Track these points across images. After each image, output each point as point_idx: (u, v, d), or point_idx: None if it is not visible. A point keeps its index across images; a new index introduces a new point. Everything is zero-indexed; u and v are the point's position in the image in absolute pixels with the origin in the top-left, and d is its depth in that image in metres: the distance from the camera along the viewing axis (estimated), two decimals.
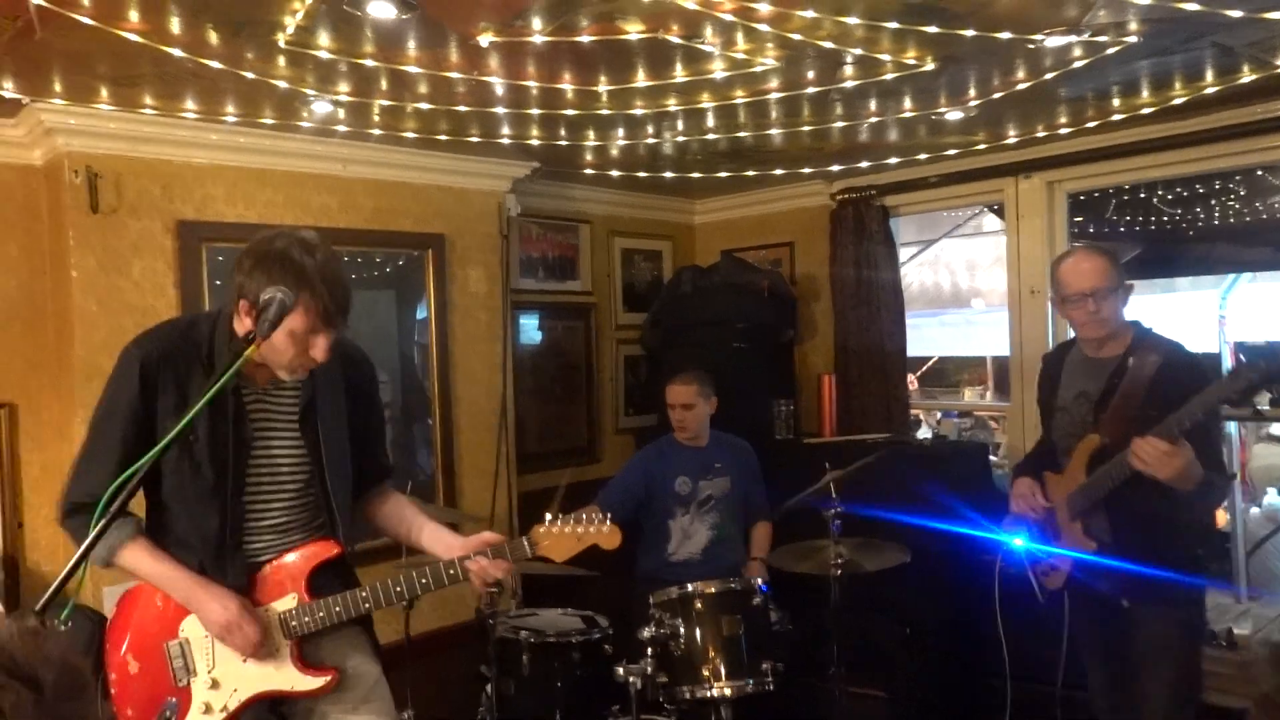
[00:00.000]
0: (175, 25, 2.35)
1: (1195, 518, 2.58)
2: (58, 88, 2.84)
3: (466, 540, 2.04)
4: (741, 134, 3.59)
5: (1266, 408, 4.24)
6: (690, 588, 3.03)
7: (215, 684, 1.93)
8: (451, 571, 1.98)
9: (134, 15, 2.28)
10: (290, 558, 1.98)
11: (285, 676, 1.96)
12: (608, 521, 2.03)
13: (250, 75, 2.72)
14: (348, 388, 2.08)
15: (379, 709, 2.07)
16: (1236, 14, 2.39)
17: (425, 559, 2.13)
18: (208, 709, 1.92)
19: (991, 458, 4.82)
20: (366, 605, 1.97)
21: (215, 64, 2.61)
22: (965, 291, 9.11)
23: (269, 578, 1.97)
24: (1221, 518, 5.44)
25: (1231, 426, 6.00)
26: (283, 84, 2.81)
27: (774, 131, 3.59)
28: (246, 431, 1.93)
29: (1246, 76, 3.02)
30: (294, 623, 1.95)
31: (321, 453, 2.00)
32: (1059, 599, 2.84)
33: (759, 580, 3.13)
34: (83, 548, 1.59)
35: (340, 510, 2.03)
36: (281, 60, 2.64)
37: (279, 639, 1.95)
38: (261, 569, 1.97)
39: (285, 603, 1.96)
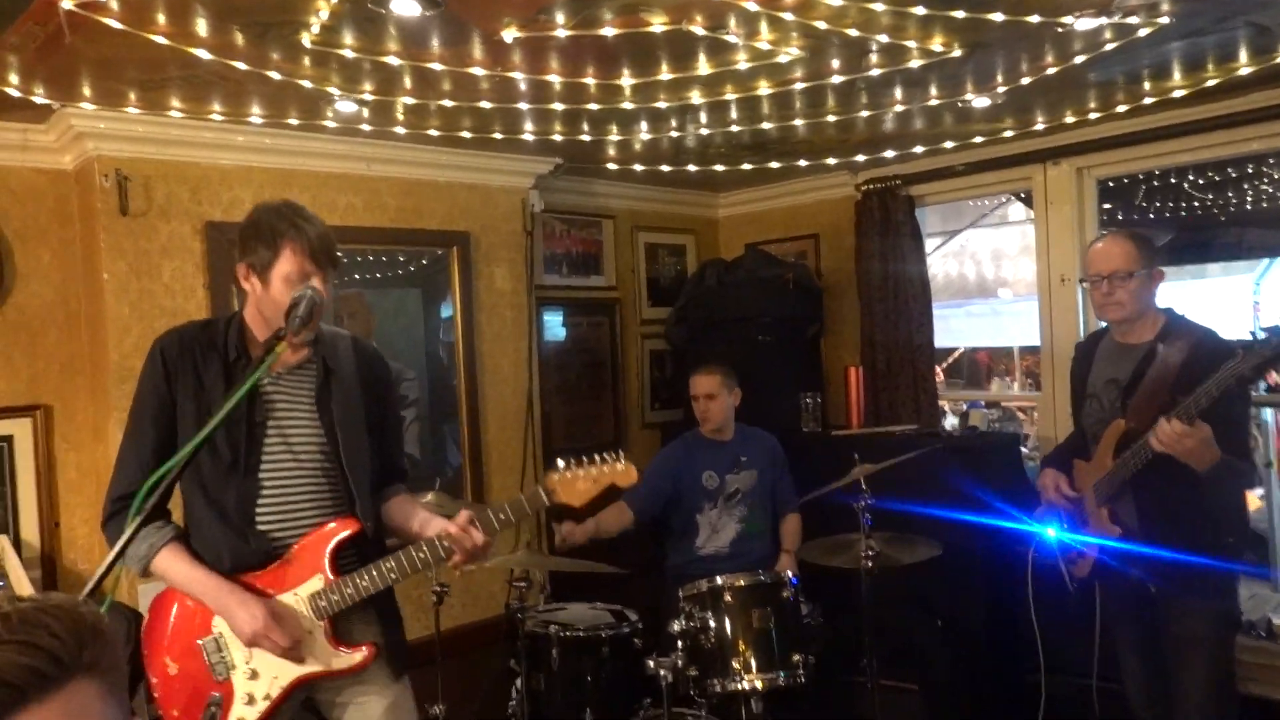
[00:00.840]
0: (202, 28, 2.37)
1: (1223, 503, 2.55)
2: (87, 92, 2.87)
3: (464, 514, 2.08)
4: (765, 126, 3.57)
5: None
6: (720, 581, 3.02)
7: (255, 674, 1.96)
8: (445, 541, 2.01)
9: (161, 19, 2.30)
10: (312, 539, 2.01)
11: (322, 657, 1.99)
12: (621, 459, 2.03)
13: (276, 76, 2.73)
14: (362, 381, 2.14)
15: (405, 707, 2.11)
16: None
17: None
18: (251, 700, 1.96)
19: (1022, 449, 4.77)
20: (393, 576, 2.00)
21: (241, 65, 2.63)
22: (992, 282, 9.03)
23: (294, 560, 1.99)
24: (1254, 504, 5.36)
25: (1267, 414, 5.91)
26: (308, 84, 2.83)
27: (798, 122, 3.56)
28: (260, 412, 1.99)
29: None
30: (323, 603, 1.98)
31: (337, 433, 2.05)
32: (1089, 588, 2.82)
33: (789, 573, 3.12)
34: (120, 542, 1.62)
35: (358, 488, 2.06)
36: (306, 60, 2.65)
37: (311, 621, 1.98)
38: (286, 552, 2.00)
39: (312, 584, 1.99)
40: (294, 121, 3.27)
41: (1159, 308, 2.66)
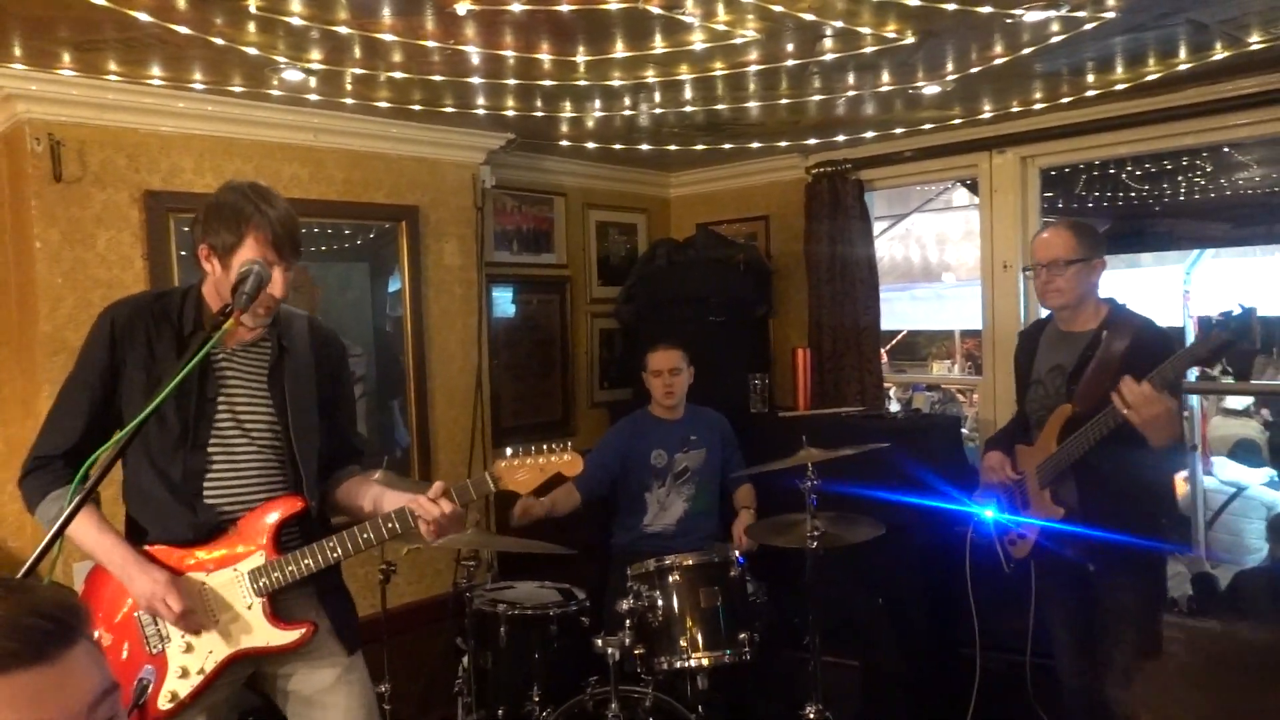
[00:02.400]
0: None
1: (1157, 485, 2.67)
2: (17, 52, 2.74)
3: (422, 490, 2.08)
4: (719, 106, 3.57)
5: (1232, 380, 4.37)
6: (668, 560, 3.06)
7: (190, 648, 1.96)
8: (415, 514, 2.00)
9: None
10: (255, 515, 2.02)
11: (259, 634, 1.99)
12: (568, 450, 2.07)
13: (219, 41, 2.65)
14: (316, 362, 2.15)
15: (357, 680, 2.11)
16: None
17: None
18: (184, 673, 1.95)
19: (963, 430, 4.89)
20: (335, 555, 2.00)
21: (183, 29, 2.54)
22: (936, 265, 9.19)
23: (236, 536, 2.00)
24: (1181, 488, 5.59)
25: (1193, 400, 6.15)
26: (253, 50, 2.75)
27: (751, 104, 3.57)
28: (211, 388, 2.00)
29: (1219, 54, 3.05)
30: (263, 580, 1.99)
31: (288, 411, 2.05)
32: (1026, 568, 2.92)
33: (736, 553, 3.16)
34: (59, 523, 1.60)
35: (305, 466, 2.07)
36: (251, 26, 2.57)
37: (250, 596, 1.99)
38: (230, 527, 2.00)
39: (253, 560, 2.00)
40: (238, 89, 3.18)
41: (1101, 298, 2.75)
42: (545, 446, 2.06)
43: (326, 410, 2.16)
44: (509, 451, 2.06)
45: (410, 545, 3.30)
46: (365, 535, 2.01)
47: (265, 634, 1.99)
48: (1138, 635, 2.65)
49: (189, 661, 1.96)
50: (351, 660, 2.12)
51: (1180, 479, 5.58)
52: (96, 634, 1.92)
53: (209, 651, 1.97)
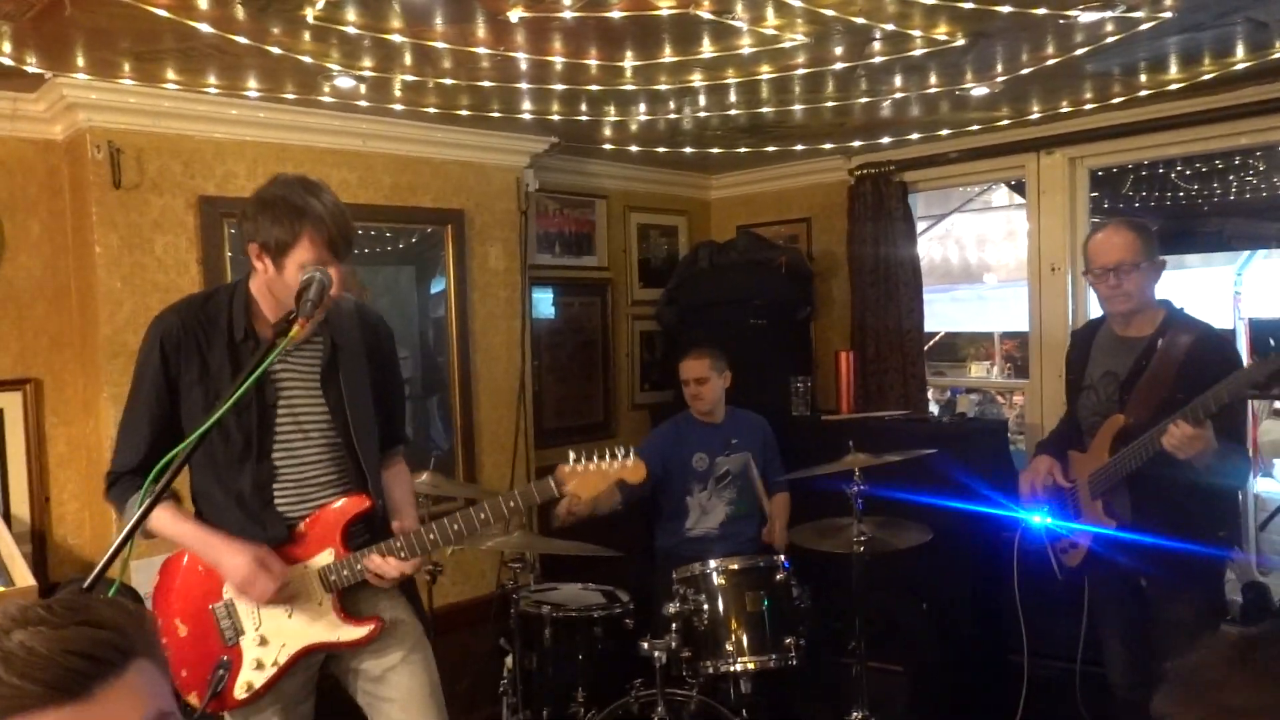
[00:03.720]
0: (203, 1, 2.33)
1: (1218, 498, 2.59)
2: (80, 62, 2.81)
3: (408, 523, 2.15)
4: (763, 109, 3.56)
5: None
6: (714, 564, 3.06)
7: (263, 640, 2.00)
8: (486, 513, 2.02)
9: None
10: (324, 514, 2.04)
11: (329, 629, 2.03)
12: (632, 455, 2.05)
13: (276, 51, 2.69)
14: (367, 351, 2.14)
15: (420, 660, 2.15)
16: None
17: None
18: (259, 665, 2.00)
19: (1008, 435, 4.83)
20: (402, 554, 2.02)
21: (241, 39, 2.59)
22: (976, 266, 9.09)
23: (306, 534, 2.03)
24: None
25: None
26: (307, 59, 2.79)
27: (796, 107, 3.55)
28: (271, 394, 1.99)
29: (1278, 52, 2.99)
30: (333, 576, 2.02)
31: (346, 409, 2.05)
32: (1078, 576, 2.87)
33: (782, 557, 3.15)
34: (128, 528, 1.62)
35: (369, 465, 2.08)
36: (307, 35, 2.61)
37: (320, 593, 2.02)
38: (298, 526, 2.03)
39: (323, 558, 2.03)
40: (290, 96, 3.23)
41: (1160, 301, 2.67)
42: (609, 451, 2.05)
43: (378, 397, 2.16)
44: (572, 456, 2.05)
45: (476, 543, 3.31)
46: (431, 536, 2.03)
47: (336, 629, 2.03)
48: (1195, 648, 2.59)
49: (263, 654, 2.00)
50: (416, 640, 2.15)
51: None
52: (175, 625, 1.99)
53: (282, 645, 2.01)
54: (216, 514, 2.01)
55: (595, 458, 2.04)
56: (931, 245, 8.49)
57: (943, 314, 8.81)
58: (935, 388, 7.77)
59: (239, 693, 1.99)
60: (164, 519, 1.95)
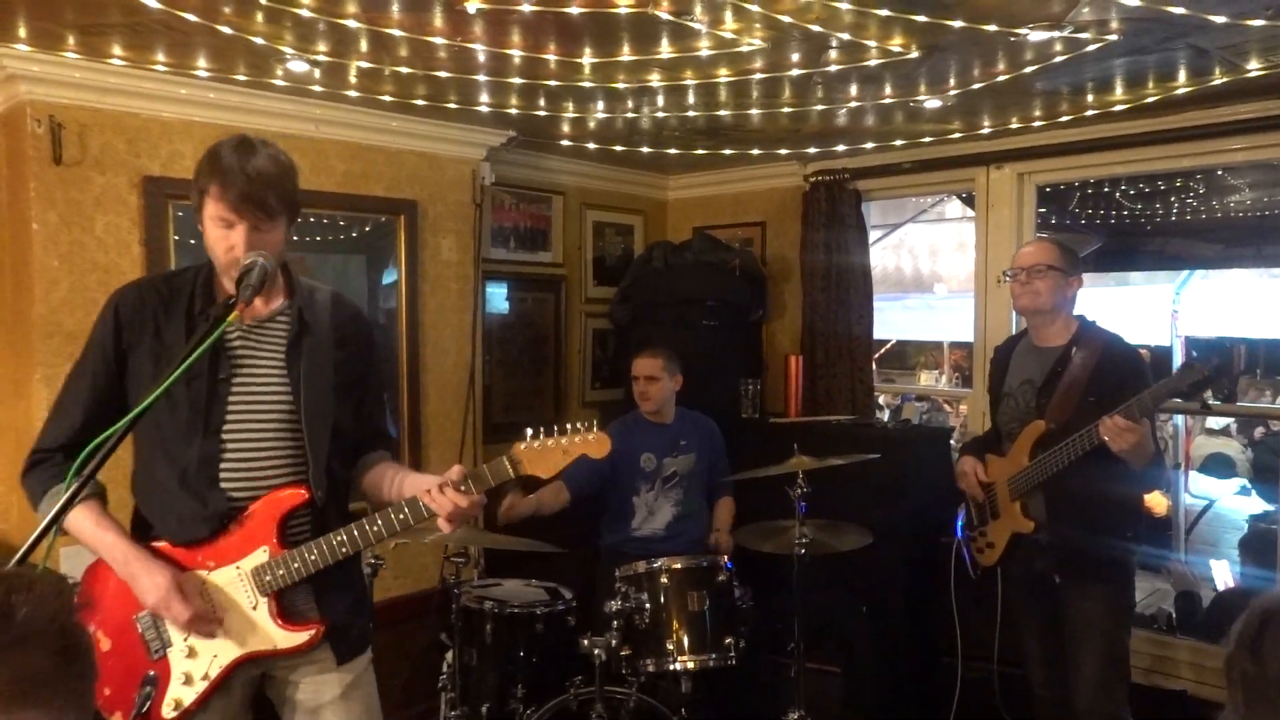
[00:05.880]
0: None
1: (1125, 501, 2.73)
2: (22, 33, 2.73)
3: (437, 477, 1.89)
4: (721, 112, 3.58)
5: (1215, 402, 4.44)
6: (657, 563, 3.07)
7: (192, 652, 1.86)
8: (428, 505, 1.85)
9: None
10: (259, 507, 1.88)
11: (266, 636, 1.86)
12: (594, 429, 1.87)
13: (226, 30, 2.64)
14: (337, 339, 2.01)
15: (360, 699, 1.99)
16: (1220, 19, 2.44)
17: None
18: (188, 679, 1.85)
19: (951, 441, 4.92)
20: (344, 550, 1.86)
21: (191, 17, 2.53)
22: (927, 276, 9.24)
23: (240, 530, 1.87)
24: (1164, 505, 5.67)
25: (1178, 419, 6.21)
26: (259, 40, 2.74)
27: (754, 111, 3.58)
28: (224, 368, 1.87)
29: (1217, 79, 3.09)
30: (268, 577, 1.85)
31: (301, 392, 1.92)
32: (991, 575, 2.98)
33: (724, 558, 3.18)
34: (51, 515, 1.56)
35: (314, 452, 1.91)
36: (260, 16, 2.57)
37: (254, 596, 1.86)
38: (243, 509, 1.87)
39: (256, 557, 1.86)
40: (242, 77, 3.17)
41: (1074, 315, 2.82)
42: (569, 426, 1.87)
43: (351, 392, 2.01)
44: (529, 433, 1.85)
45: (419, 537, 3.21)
46: (375, 527, 1.86)
47: (273, 636, 1.86)
48: (1106, 646, 2.70)
49: (193, 667, 1.85)
50: (359, 674, 1.99)
51: (1161, 495, 5.66)
52: (99, 638, 1.85)
53: (213, 656, 1.85)
54: (157, 494, 1.88)
55: (555, 433, 1.86)
56: (885, 254, 8.62)
57: (893, 322, 8.94)
58: (885, 394, 7.89)
59: (167, 711, 1.84)
60: (84, 522, 1.82)
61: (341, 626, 1.95)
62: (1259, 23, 2.47)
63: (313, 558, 1.86)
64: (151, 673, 1.84)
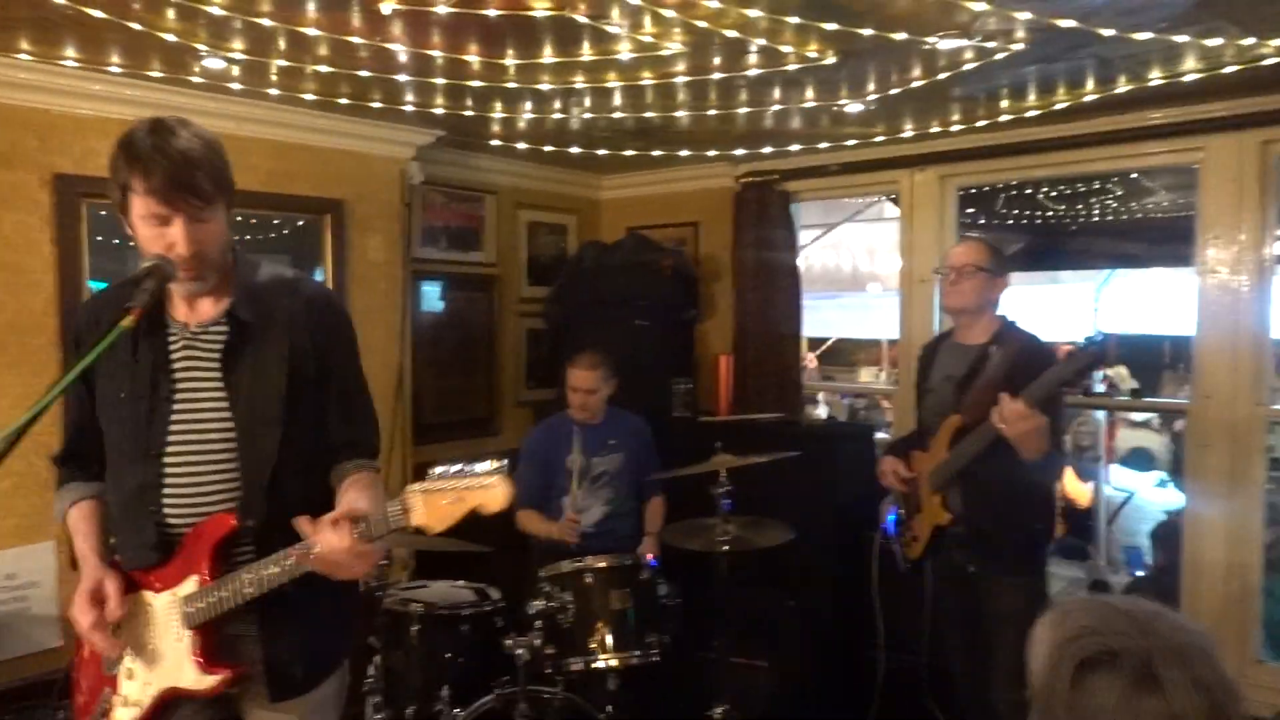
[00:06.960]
0: None
1: (1035, 493, 2.82)
2: None
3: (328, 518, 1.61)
4: (648, 114, 3.61)
5: (1100, 390, 4.64)
6: (581, 562, 3.08)
7: (131, 674, 1.78)
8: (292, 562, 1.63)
9: None
10: (196, 531, 1.72)
11: (183, 673, 1.72)
12: (497, 475, 1.56)
13: (136, 26, 2.59)
14: (290, 331, 1.77)
15: (304, 708, 1.79)
16: (1109, 33, 2.54)
17: None
18: (126, 701, 1.77)
19: (879, 435, 5.02)
20: (249, 591, 1.66)
21: (96, 13, 2.48)
22: (863, 275, 9.39)
23: (180, 557, 1.73)
24: (1086, 497, 5.85)
25: (1099, 414, 6.41)
26: (171, 37, 2.69)
27: (680, 113, 3.62)
28: (165, 387, 1.71)
29: (1122, 86, 3.20)
30: (189, 609, 1.70)
31: (240, 406, 1.72)
32: (920, 569, 3.06)
33: (648, 556, 3.20)
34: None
35: (249, 475, 1.72)
36: (171, 13, 2.53)
37: (179, 629, 1.72)
38: (179, 544, 1.72)
39: (186, 586, 1.71)
40: (157, 74, 3.11)
41: (998, 314, 2.90)
42: (475, 467, 1.57)
43: (310, 394, 1.77)
44: (438, 471, 1.58)
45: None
46: (270, 570, 1.65)
47: (188, 673, 1.71)
48: (1021, 634, 2.77)
49: (130, 690, 1.76)
50: (303, 715, 1.79)
51: (1084, 488, 5.84)
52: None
53: (145, 683, 1.75)
54: (112, 517, 1.83)
55: (456, 475, 1.57)
56: (825, 253, 8.73)
57: (830, 320, 9.07)
58: (822, 391, 8.00)
59: None
60: (73, 515, 1.84)
61: (281, 664, 1.76)
62: (1145, 35, 2.57)
63: (224, 594, 1.68)
64: (107, 689, 1.79)
